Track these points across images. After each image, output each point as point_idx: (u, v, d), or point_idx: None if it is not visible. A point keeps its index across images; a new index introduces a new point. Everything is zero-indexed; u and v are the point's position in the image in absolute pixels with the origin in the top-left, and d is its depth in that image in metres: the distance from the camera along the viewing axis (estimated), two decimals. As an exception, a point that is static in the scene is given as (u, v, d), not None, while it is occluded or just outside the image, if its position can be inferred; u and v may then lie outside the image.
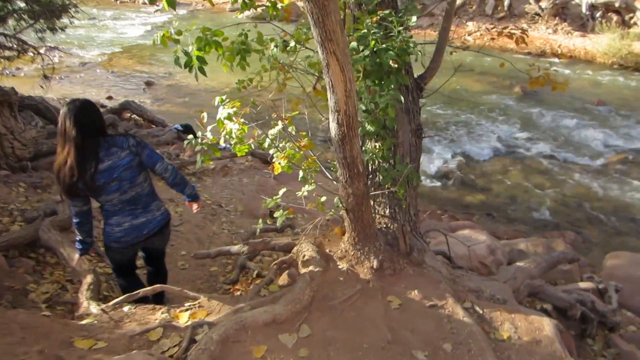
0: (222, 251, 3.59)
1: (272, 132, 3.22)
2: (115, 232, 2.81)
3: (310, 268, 2.78)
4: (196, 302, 2.77)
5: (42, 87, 8.23)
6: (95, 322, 2.57)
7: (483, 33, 15.81)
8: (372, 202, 3.07)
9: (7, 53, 7.55)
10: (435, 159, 8.72)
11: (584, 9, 16.85)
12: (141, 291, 2.86)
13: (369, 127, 2.85)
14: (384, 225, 3.10)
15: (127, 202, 2.77)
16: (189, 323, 2.51)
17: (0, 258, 3.86)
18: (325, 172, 3.15)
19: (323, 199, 3.13)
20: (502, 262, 4.39)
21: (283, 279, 2.98)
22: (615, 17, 16.13)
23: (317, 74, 3.54)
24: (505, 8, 18.75)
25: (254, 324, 2.34)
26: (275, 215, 3.42)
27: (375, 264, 2.82)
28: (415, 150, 3.25)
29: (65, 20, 7.26)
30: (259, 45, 3.34)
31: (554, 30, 17.21)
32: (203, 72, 2.95)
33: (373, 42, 2.83)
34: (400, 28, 2.77)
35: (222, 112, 3.24)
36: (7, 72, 11.20)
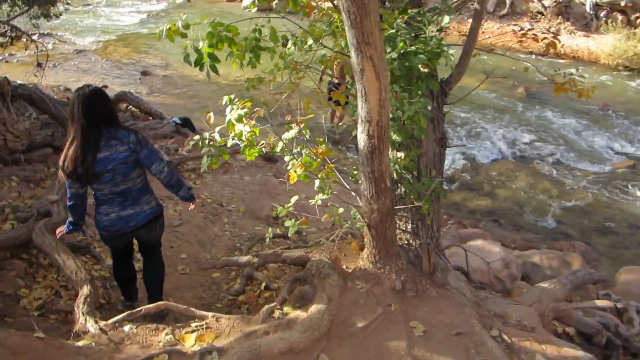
0: (230, 262, 3.37)
1: (287, 136, 2.99)
2: (103, 220, 2.89)
3: (327, 288, 2.57)
4: (203, 322, 2.55)
5: (35, 75, 7.94)
6: (93, 344, 2.35)
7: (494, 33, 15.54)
8: (393, 216, 2.86)
9: (0, 39, 7.27)
10: (440, 161, 8.49)
11: (587, 8, 16.63)
12: (143, 308, 2.64)
13: (395, 137, 2.63)
14: (405, 242, 2.89)
15: (117, 194, 2.84)
16: (196, 348, 2.30)
17: (-10, 260, 3.63)
18: (343, 183, 2.93)
19: (340, 210, 2.91)
20: (516, 277, 4.21)
21: (296, 298, 2.76)
22: (620, 17, 15.92)
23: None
24: (507, 6, 18.52)
25: (269, 352, 2.14)
26: (286, 224, 3.21)
27: (397, 285, 2.61)
28: (439, 161, 3.03)
29: (60, 6, 6.96)
30: (272, 42, 3.12)
31: (557, 29, 17.01)
32: (215, 71, 2.74)
33: (402, 44, 2.61)
34: (433, 29, 2.54)
35: (232, 113, 3.02)
36: (0, 58, 10.87)
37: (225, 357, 2.08)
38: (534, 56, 13.55)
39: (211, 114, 3.12)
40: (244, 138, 2.98)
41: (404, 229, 2.92)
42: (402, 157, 2.82)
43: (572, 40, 16.43)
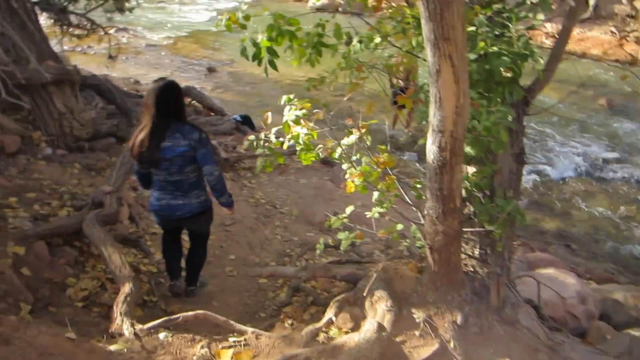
0: (277, 272, 3.19)
1: (346, 141, 2.75)
2: (154, 204, 3.20)
3: (380, 313, 2.30)
4: (242, 337, 2.35)
5: (107, 66, 8.23)
6: (125, 350, 2.21)
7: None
8: (459, 239, 2.53)
9: (77, 32, 7.59)
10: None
11: (687, 11, 15.09)
12: (181, 316, 2.49)
13: (468, 150, 2.30)
14: (471, 269, 2.55)
15: (171, 183, 3.06)
16: (231, 367, 2.10)
17: (43, 247, 3.64)
18: (405, 198, 2.63)
19: (399, 226, 2.63)
20: (594, 315, 3.70)
21: (344, 320, 2.50)
22: None
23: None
24: (591, 8, 17.15)
25: (309, 383, 1.90)
26: (338, 236, 2.97)
27: (459, 318, 2.29)
28: (515, 180, 2.67)
29: (133, 1, 7.16)
30: (336, 39, 2.89)
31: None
32: (274, 66, 2.55)
33: (482, 44, 2.28)
34: (522, 28, 2.20)
35: (289, 114, 2.82)
36: (79, 50, 11.41)
37: (261, 384, 1.87)
38: (619, 65, 12.39)
39: (269, 113, 2.94)
40: (300, 141, 2.78)
41: (471, 254, 2.58)
42: (474, 173, 2.49)
43: (668, 48, 14.90)
